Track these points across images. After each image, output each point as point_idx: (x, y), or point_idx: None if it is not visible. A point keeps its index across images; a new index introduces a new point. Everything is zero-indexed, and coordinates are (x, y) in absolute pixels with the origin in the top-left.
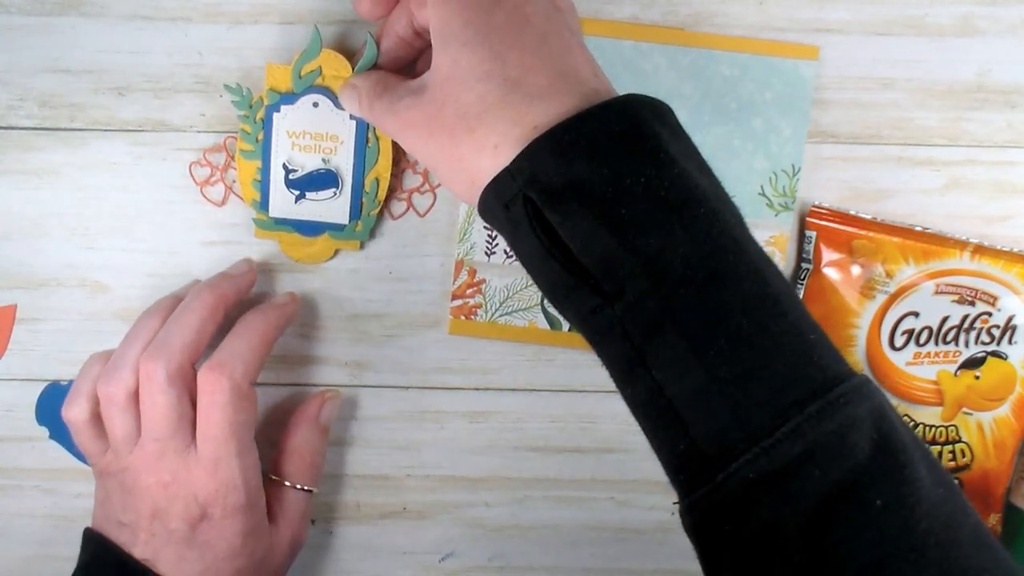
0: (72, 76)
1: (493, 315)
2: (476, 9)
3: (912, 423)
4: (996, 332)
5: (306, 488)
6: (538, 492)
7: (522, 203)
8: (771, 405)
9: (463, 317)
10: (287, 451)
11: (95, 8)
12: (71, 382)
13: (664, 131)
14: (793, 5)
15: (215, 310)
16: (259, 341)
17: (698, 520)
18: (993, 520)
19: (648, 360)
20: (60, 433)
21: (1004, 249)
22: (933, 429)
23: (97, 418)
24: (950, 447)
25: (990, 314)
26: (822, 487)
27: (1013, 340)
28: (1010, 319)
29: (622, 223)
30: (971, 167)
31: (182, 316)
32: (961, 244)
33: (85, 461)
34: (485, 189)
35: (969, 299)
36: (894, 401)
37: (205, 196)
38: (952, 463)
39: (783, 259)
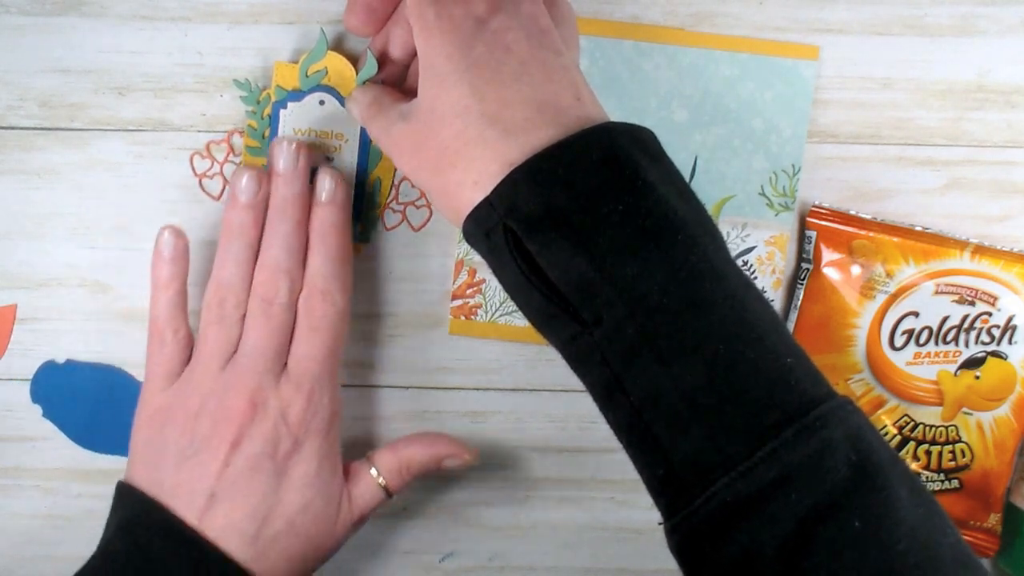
0: (72, 76)
1: (493, 315)
2: (456, 43)
3: (912, 423)
4: (996, 332)
5: (385, 486)
6: (538, 492)
7: (502, 232)
8: (748, 430)
9: (463, 317)
10: (395, 449)
11: (95, 8)
12: (68, 361)
13: (643, 158)
14: (793, 5)
15: (304, 224)
16: (346, 258)
17: (679, 542)
18: (993, 520)
19: (627, 386)
20: (54, 412)
21: (1004, 249)
22: (933, 429)
23: (187, 339)
24: (950, 447)
25: (990, 314)
26: (799, 510)
27: (1013, 340)
28: (1010, 319)
29: (599, 251)
30: (971, 167)
31: (286, 235)
32: (961, 244)
33: (80, 441)
34: (467, 218)
35: (969, 299)
36: (894, 401)
37: (203, 188)
38: (952, 463)
39: (783, 259)
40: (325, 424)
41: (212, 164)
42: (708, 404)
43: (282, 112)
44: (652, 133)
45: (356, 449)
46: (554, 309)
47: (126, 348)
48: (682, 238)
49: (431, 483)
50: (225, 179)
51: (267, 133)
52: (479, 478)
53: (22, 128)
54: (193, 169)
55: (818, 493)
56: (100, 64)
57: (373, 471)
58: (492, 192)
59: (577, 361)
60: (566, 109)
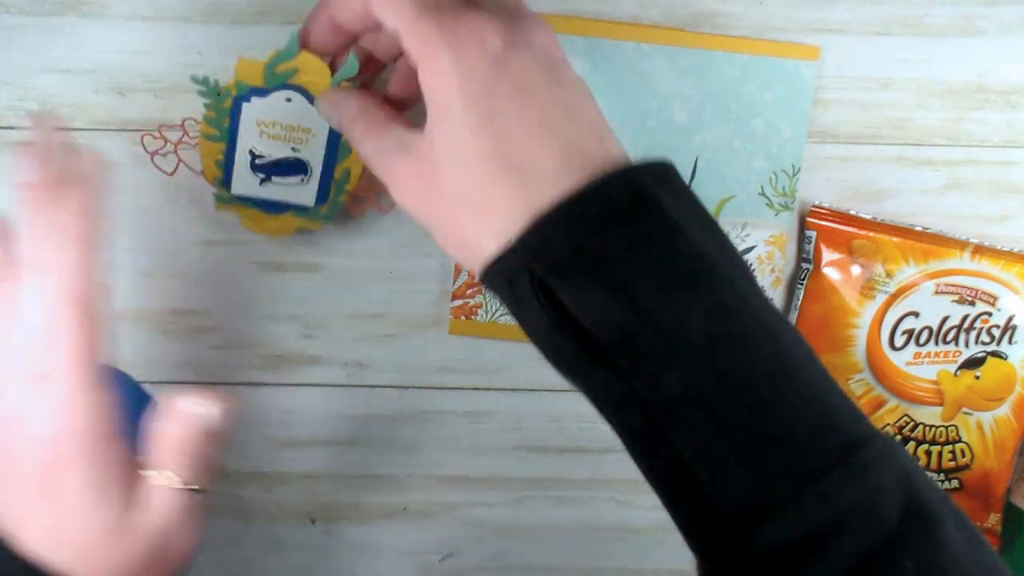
0: (72, 76)
1: (493, 315)
2: (476, 92)
3: (912, 423)
4: (996, 332)
5: (170, 480)
6: (538, 492)
7: (527, 278)
8: (794, 473)
9: (463, 317)
10: (155, 439)
11: (95, 8)
12: None
13: (667, 196)
14: (793, 5)
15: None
16: (88, 244)
17: None
18: (993, 520)
19: (668, 434)
20: None
21: (1004, 249)
22: (933, 429)
23: None
24: (950, 447)
25: (990, 314)
26: (852, 555)
27: (1013, 340)
28: (1010, 319)
29: (635, 297)
30: (971, 167)
31: (63, 231)
32: (961, 244)
33: None
34: (488, 266)
35: (969, 299)
36: (894, 401)
37: (156, 165)
38: (952, 463)
39: (783, 259)
40: (88, 443)
41: (165, 144)
42: (753, 448)
43: (245, 105)
44: (671, 165)
45: (356, 449)
46: (587, 357)
47: (125, 348)
48: (715, 278)
49: (431, 483)
50: (179, 157)
51: (227, 122)
52: (479, 478)
53: (22, 128)
54: (144, 147)
55: (871, 537)
56: (100, 64)
57: (152, 473)
58: (517, 241)
59: (610, 406)
60: (590, 152)
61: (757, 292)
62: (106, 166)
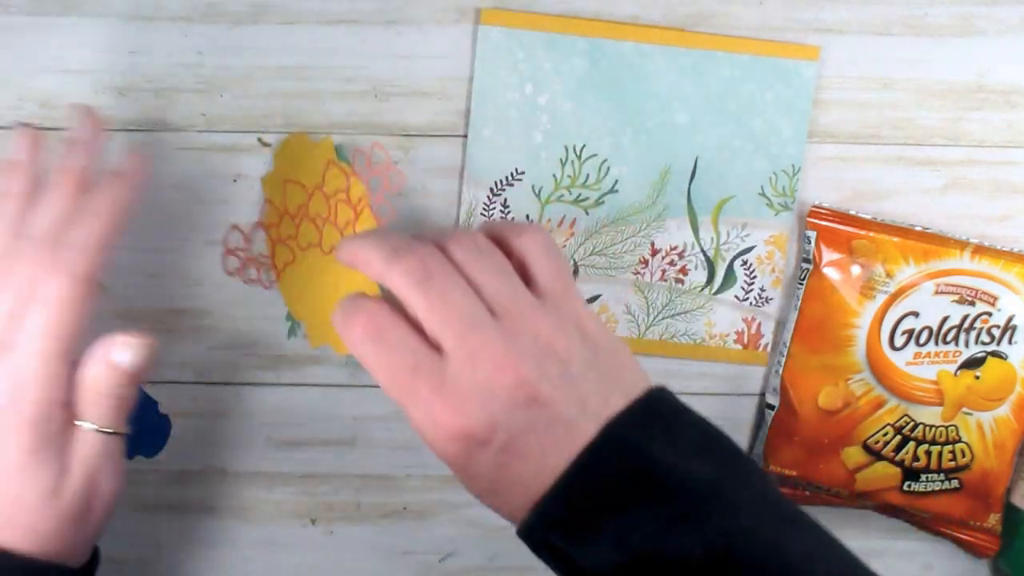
0: (72, 76)
1: None
2: (466, 451)
3: (912, 423)
4: (996, 332)
5: (96, 427)
6: None
7: (543, 543)
8: None
9: None
10: (78, 386)
11: (95, 8)
12: None
13: (653, 442)
14: (793, 5)
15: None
16: (104, 228)
17: None
18: (993, 520)
19: None
20: None
21: (1004, 249)
22: (933, 429)
23: None
24: (950, 447)
25: (990, 314)
26: None
27: (1013, 340)
28: (1010, 319)
29: (634, 551)
30: (971, 167)
31: (91, 213)
32: (961, 244)
33: None
34: (516, 531)
35: (969, 299)
36: (894, 401)
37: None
38: (952, 463)
39: (783, 258)
40: (33, 411)
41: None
42: None
43: None
44: (659, 395)
45: (356, 449)
46: None
47: None
48: (714, 510)
49: (431, 483)
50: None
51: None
52: None
53: (22, 128)
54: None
55: None
56: (100, 64)
57: (76, 421)
58: (528, 517)
59: None
60: (581, 434)
61: (763, 504)
62: (146, 165)
